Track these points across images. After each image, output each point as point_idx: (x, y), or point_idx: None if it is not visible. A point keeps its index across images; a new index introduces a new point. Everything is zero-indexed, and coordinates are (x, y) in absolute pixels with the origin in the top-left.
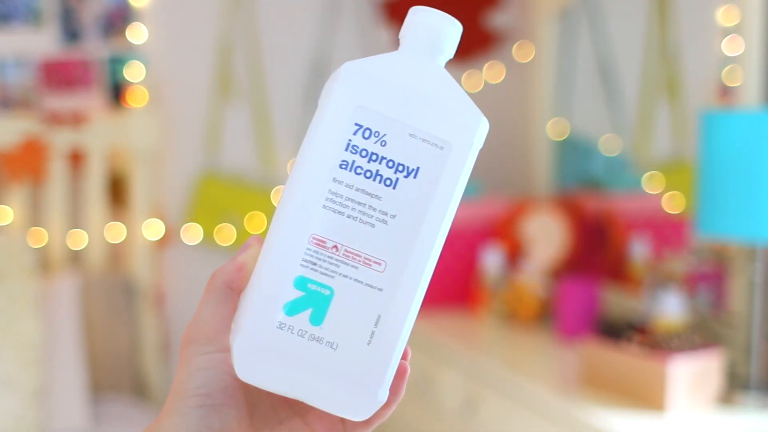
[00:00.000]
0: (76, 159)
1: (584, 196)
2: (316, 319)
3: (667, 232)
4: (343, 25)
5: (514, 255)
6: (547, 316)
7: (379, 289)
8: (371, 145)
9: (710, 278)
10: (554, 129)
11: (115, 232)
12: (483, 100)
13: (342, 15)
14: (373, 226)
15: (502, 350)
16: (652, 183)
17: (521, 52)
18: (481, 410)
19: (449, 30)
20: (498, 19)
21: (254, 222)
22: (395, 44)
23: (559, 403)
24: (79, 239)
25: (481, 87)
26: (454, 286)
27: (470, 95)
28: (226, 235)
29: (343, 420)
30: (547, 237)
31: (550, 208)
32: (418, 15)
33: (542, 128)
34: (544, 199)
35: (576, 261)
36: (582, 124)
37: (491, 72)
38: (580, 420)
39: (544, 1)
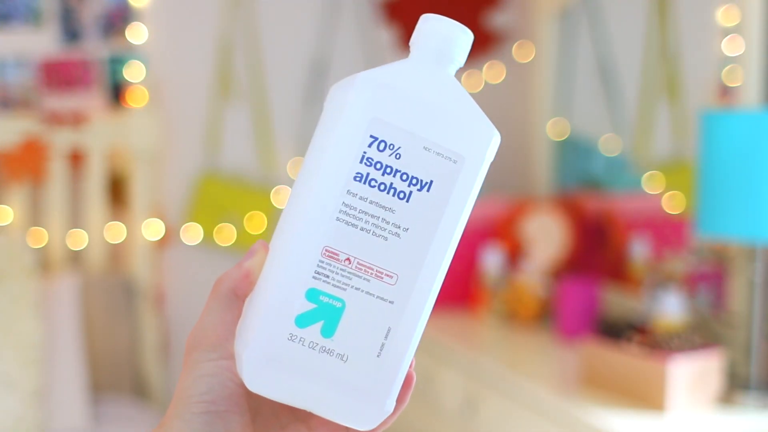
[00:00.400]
0: (76, 159)
1: (584, 196)
2: (328, 332)
3: (667, 232)
4: (343, 25)
5: (514, 255)
6: (547, 316)
7: (390, 302)
8: (386, 158)
9: (710, 278)
10: (554, 129)
11: (115, 232)
12: (483, 100)
13: (342, 15)
14: (386, 239)
15: (502, 350)
16: (652, 183)
17: (521, 52)
18: (481, 410)
19: (461, 39)
20: (498, 19)
21: (254, 222)
22: (395, 44)
23: (559, 403)
24: (79, 239)
25: (481, 87)
26: (454, 286)
27: (470, 95)
28: (226, 235)
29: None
30: (547, 237)
31: (550, 208)
32: (430, 23)
33: (542, 128)
34: (544, 199)
35: (576, 261)
36: (582, 124)
37: (491, 72)
38: (580, 420)
39: (544, 1)
